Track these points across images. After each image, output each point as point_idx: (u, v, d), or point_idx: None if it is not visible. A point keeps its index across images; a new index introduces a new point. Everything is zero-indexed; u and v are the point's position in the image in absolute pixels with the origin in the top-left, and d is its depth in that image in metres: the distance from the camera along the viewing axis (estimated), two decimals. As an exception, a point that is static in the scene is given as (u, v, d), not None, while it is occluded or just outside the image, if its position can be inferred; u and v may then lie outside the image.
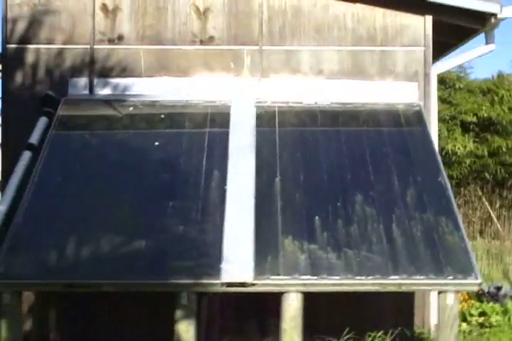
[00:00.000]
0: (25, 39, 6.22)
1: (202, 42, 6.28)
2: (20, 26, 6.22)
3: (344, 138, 5.76)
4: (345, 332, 5.36)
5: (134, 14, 6.28)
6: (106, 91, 6.19)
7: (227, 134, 5.73)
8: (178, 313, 4.48)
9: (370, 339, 5.45)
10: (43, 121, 5.89)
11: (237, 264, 4.53)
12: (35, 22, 6.21)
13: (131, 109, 6.01)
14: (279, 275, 4.50)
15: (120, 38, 6.26)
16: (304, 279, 4.48)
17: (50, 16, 6.22)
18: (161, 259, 4.62)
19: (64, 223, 4.89)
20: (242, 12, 6.32)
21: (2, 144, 6.15)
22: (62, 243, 4.69)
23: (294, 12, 6.35)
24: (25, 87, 6.20)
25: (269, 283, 4.47)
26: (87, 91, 6.18)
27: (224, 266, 4.52)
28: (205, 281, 4.46)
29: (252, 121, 5.88)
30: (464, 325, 7.48)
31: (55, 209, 5.01)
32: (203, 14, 6.30)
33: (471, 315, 7.77)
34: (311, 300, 4.64)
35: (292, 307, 4.47)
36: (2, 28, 6.21)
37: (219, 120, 5.89)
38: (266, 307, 5.82)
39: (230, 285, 4.46)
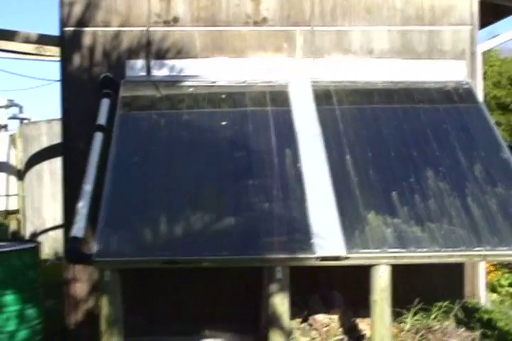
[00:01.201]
0: (82, 22, 6.27)
1: (255, 24, 6.39)
2: (77, 9, 6.26)
3: (403, 116, 5.94)
4: (415, 303, 5.60)
5: (189, -4, 6.35)
6: (162, 73, 6.29)
7: (289, 113, 5.88)
8: (273, 287, 4.66)
9: (437, 308, 5.69)
10: (105, 102, 5.99)
11: (328, 239, 4.73)
12: (91, 5, 6.27)
13: (190, 89, 6.13)
14: (369, 248, 4.69)
15: (175, 20, 6.34)
16: (393, 252, 4.68)
17: (105, -1, 6.26)
18: (253, 235, 4.78)
19: (153, 201, 5.03)
20: (294, -7, 6.42)
21: (62, 124, 6.23)
22: (155, 220, 4.83)
23: (345, -8, 6.47)
24: (83, 69, 6.27)
25: (361, 257, 4.67)
26: (144, 73, 6.27)
27: (316, 240, 4.71)
28: (300, 256, 4.63)
29: (311, 100, 6.03)
30: (495, 295, 7.79)
31: (140, 188, 5.14)
32: (255, -4, 6.39)
33: (501, 286, 8.07)
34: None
35: (383, 279, 4.68)
36: (59, 11, 6.24)
37: (279, 99, 6.05)
38: (329, 280, 6.06)
39: (324, 259, 4.65)
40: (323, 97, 6.10)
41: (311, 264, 4.71)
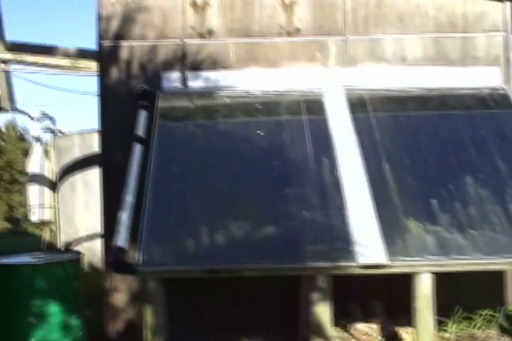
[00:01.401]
0: (119, 36, 6.38)
1: (288, 34, 6.46)
2: (114, 24, 6.38)
3: (439, 122, 5.96)
4: (456, 311, 5.58)
5: (222, 9, 6.45)
6: (198, 84, 6.37)
7: (324, 121, 5.92)
8: (315, 296, 4.69)
9: (478, 317, 5.66)
10: (142, 113, 6.08)
11: (369, 247, 4.75)
12: (127, 19, 6.37)
13: (226, 99, 6.19)
14: (410, 256, 4.70)
15: (210, 32, 6.42)
16: (435, 260, 4.68)
17: (142, 13, 6.38)
18: (293, 244, 4.83)
19: (193, 211, 5.10)
20: (327, 3, 6.51)
21: (100, 136, 6.34)
22: (196, 230, 4.91)
23: (377, 2, 6.54)
24: (120, 82, 6.37)
25: (403, 264, 4.69)
26: (179, 85, 6.36)
27: (357, 248, 4.74)
28: (342, 264, 4.66)
29: (346, 108, 6.07)
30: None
31: (181, 198, 5.21)
32: (288, 7, 6.46)
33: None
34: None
35: (425, 287, 4.70)
36: (97, 25, 6.34)
37: (314, 108, 6.09)
38: (366, 289, 6.07)
39: (366, 267, 4.67)
40: (358, 105, 6.13)
41: (352, 272, 4.74)
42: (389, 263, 4.68)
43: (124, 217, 5.01)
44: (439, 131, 5.87)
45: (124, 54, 6.40)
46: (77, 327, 5.45)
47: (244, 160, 5.58)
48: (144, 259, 4.65)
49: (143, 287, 4.77)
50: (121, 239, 4.82)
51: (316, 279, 4.70)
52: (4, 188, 44.18)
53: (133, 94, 6.35)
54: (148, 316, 4.67)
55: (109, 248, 6.21)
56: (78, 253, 5.73)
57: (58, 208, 14.18)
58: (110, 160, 6.33)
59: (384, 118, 6.04)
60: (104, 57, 6.41)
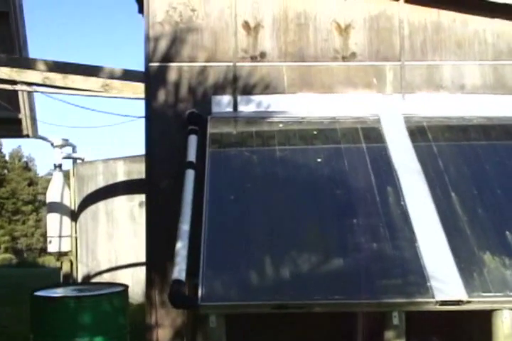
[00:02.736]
0: (168, 57, 6.16)
1: (344, 59, 6.23)
2: (163, 44, 6.15)
3: (504, 152, 5.69)
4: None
5: (276, 31, 6.24)
6: (249, 109, 6.12)
7: (385, 149, 5.66)
8: (390, 334, 4.37)
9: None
10: (193, 139, 5.81)
11: (446, 282, 4.44)
12: (177, 40, 6.16)
13: (280, 125, 5.93)
14: (490, 292, 4.39)
15: (262, 55, 6.20)
16: (517, 296, 4.36)
17: (192, 34, 6.16)
18: (365, 278, 4.52)
19: (254, 242, 4.79)
20: (383, 28, 6.28)
21: (146, 161, 6.07)
22: (259, 262, 4.60)
23: (434, 28, 6.33)
24: (168, 105, 6.13)
25: (483, 301, 4.37)
26: (230, 109, 6.11)
27: (433, 283, 4.43)
28: (418, 300, 4.34)
29: (406, 136, 5.80)
30: None
31: (240, 228, 4.91)
32: (344, 30, 6.25)
33: None
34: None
35: (506, 325, 4.37)
36: (145, 46, 6.13)
37: (372, 135, 5.83)
38: (427, 325, 5.73)
39: (443, 303, 4.35)
40: (418, 133, 5.87)
41: (429, 309, 4.42)
42: (469, 299, 4.34)
43: (181, 246, 4.70)
44: (505, 161, 5.59)
45: (172, 76, 6.17)
46: (122, 363, 5.09)
47: (304, 189, 5.30)
48: (204, 293, 4.33)
49: (203, 322, 4.43)
50: (179, 271, 4.50)
51: (391, 316, 4.34)
52: (7, 218, 43.94)
53: (181, 117, 6.10)
54: (209, 353, 4.31)
55: (152, 280, 5.92)
56: (124, 286, 5.38)
57: (77, 238, 13.87)
58: (156, 186, 6.05)
59: (447, 147, 5.79)
60: (152, 79, 6.16)
